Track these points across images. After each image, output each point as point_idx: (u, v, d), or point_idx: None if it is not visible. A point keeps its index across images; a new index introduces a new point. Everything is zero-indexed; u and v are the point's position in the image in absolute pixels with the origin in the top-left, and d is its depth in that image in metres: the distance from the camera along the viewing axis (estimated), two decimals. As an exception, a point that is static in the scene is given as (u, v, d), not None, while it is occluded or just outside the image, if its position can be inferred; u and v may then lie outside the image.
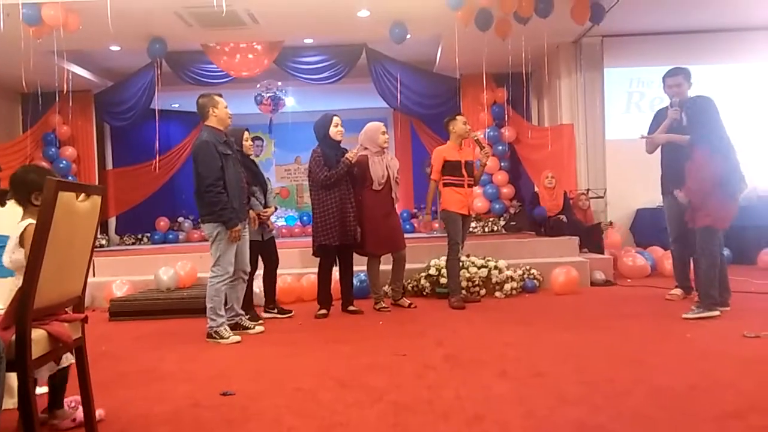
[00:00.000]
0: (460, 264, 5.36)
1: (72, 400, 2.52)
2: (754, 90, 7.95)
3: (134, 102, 8.89)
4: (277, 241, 5.20)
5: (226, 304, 4.25)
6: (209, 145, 4.05)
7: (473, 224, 8.13)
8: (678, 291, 4.98)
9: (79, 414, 2.42)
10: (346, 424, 2.37)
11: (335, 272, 5.13)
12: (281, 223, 11.41)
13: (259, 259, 4.92)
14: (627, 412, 2.38)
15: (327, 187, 4.79)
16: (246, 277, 4.46)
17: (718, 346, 3.44)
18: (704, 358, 3.17)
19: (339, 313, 5.01)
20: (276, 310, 4.99)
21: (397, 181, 5.13)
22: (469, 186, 5.23)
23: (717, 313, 4.21)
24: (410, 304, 5.18)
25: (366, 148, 5.04)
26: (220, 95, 4.26)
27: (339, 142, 4.88)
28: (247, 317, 4.47)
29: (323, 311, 4.92)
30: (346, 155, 4.83)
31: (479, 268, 5.69)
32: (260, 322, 4.61)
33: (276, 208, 4.93)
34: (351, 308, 5.03)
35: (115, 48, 8.03)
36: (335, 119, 4.86)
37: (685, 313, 4.25)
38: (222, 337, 4.05)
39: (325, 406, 2.60)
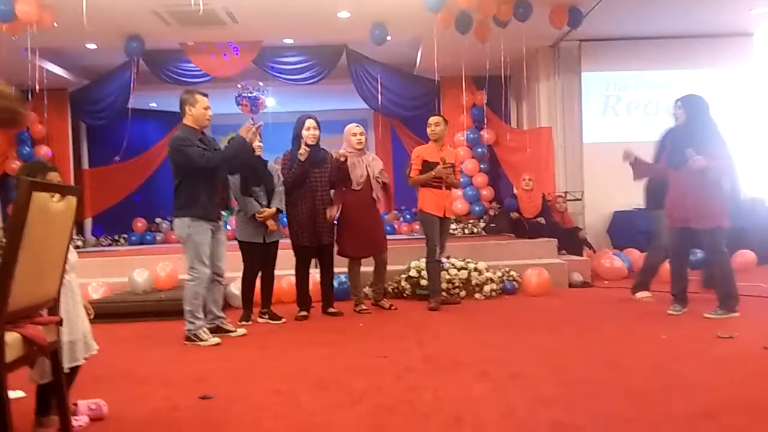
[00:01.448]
0: (441, 266, 5.37)
1: (93, 402, 2.54)
2: (729, 95, 8.11)
3: (111, 101, 8.76)
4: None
5: (205, 306, 4.20)
6: (184, 138, 3.97)
7: (453, 226, 8.16)
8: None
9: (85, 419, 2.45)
10: (326, 426, 2.37)
11: (315, 274, 5.12)
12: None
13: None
14: (604, 413, 2.41)
15: (295, 187, 4.78)
16: (222, 280, 4.35)
17: (692, 346, 3.51)
18: (679, 359, 3.23)
19: (319, 315, 4.99)
20: (267, 316, 4.84)
21: (379, 181, 5.12)
22: (447, 188, 5.21)
23: (737, 314, 4.22)
24: (391, 306, 5.19)
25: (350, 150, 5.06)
26: (205, 95, 4.13)
27: (311, 145, 4.80)
28: (227, 320, 4.40)
29: (303, 313, 4.90)
30: (299, 152, 4.75)
31: (459, 269, 5.72)
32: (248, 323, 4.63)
33: (279, 210, 4.76)
34: (331, 310, 5.01)
35: (91, 46, 7.91)
36: (308, 122, 4.81)
37: (708, 312, 4.27)
38: (201, 340, 4.00)
39: (305, 409, 2.59)
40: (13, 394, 2.44)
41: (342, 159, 4.89)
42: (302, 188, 4.79)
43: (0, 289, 1.83)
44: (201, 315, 4.09)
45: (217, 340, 4.03)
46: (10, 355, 1.89)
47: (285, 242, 4.97)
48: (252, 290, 4.86)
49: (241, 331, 4.33)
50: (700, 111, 4.38)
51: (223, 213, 4.39)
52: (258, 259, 4.77)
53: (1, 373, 1.81)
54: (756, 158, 8.14)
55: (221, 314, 4.35)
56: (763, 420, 2.29)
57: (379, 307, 5.20)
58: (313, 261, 5.08)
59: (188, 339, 4.04)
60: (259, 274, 4.86)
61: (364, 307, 5.10)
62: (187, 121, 4.07)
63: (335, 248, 5.06)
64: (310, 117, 4.86)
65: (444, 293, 5.42)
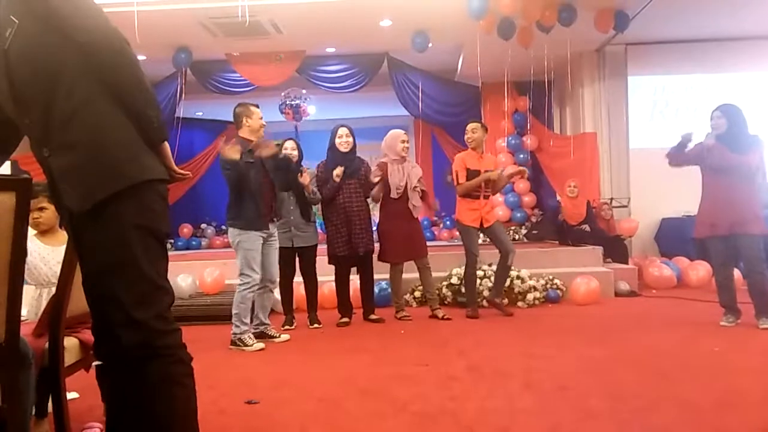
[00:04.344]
0: (508, 271, 5.27)
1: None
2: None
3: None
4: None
5: (253, 312, 4.29)
6: (231, 162, 4.07)
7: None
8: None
9: None
10: (370, 435, 2.38)
11: (356, 280, 5.15)
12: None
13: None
14: (654, 428, 2.34)
15: (330, 200, 4.85)
16: (272, 286, 4.47)
17: (747, 361, 3.38)
18: (733, 373, 3.11)
19: (361, 322, 5.02)
20: (315, 323, 4.92)
21: (417, 190, 5.11)
22: (485, 197, 5.14)
23: None
24: (443, 316, 5.04)
25: (386, 156, 5.09)
26: (257, 106, 4.28)
27: (345, 152, 4.88)
28: (272, 326, 4.49)
29: (345, 319, 4.94)
30: (335, 171, 4.82)
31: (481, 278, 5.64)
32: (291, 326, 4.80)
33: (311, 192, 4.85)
34: (372, 317, 5.03)
35: (141, 57, 8.17)
36: (340, 130, 4.90)
37: (763, 324, 4.17)
38: (245, 345, 4.09)
39: (349, 416, 2.61)
40: (69, 396, 2.53)
41: (336, 182, 4.84)
42: (337, 198, 4.85)
43: (59, 295, 1.91)
44: (248, 320, 4.18)
45: (261, 345, 4.12)
46: (69, 359, 1.97)
47: (321, 248, 5.02)
48: (288, 295, 4.98)
49: (284, 336, 4.43)
50: (741, 119, 4.30)
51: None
52: (289, 264, 4.86)
53: (61, 376, 1.89)
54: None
55: (267, 321, 4.46)
56: (826, 440, 2.19)
57: (434, 316, 5.08)
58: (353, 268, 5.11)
59: (233, 343, 4.13)
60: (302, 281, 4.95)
61: (405, 314, 5.09)
62: (243, 132, 4.22)
63: (375, 255, 5.08)
64: (342, 126, 4.96)
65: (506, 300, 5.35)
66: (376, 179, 4.99)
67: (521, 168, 5.47)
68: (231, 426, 2.55)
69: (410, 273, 5.28)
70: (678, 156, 4.57)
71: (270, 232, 4.31)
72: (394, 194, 5.02)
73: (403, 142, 5.10)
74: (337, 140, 4.90)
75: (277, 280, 4.50)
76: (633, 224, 7.63)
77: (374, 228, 5.16)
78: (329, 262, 4.99)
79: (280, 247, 4.78)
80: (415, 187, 5.09)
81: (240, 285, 4.16)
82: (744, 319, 4.34)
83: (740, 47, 7.82)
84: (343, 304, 5.00)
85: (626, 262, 6.82)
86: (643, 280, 6.56)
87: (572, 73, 8.46)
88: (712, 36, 7.77)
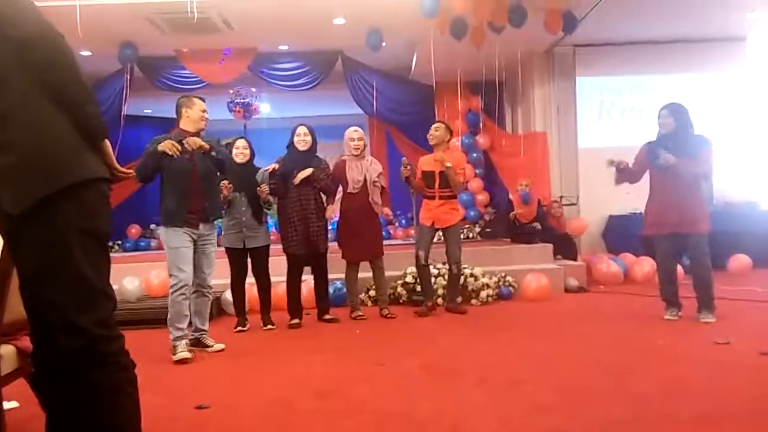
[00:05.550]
0: (431, 271, 5.37)
1: None
2: (722, 99, 8.16)
3: (105, 107, 8.71)
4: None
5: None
6: (152, 141, 3.92)
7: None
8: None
9: None
10: (325, 437, 2.35)
11: (310, 280, 5.10)
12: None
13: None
14: (602, 419, 2.40)
15: (284, 197, 4.80)
16: (205, 291, 4.13)
17: (690, 352, 3.51)
18: (677, 364, 3.23)
19: (315, 322, 4.97)
20: (268, 324, 4.84)
21: (375, 185, 5.11)
22: (441, 198, 5.15)
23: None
24: (387, 314, 5.07)
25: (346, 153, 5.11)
26: (202, 99, 4.09)
27: (304, 151, 4.84)
28: (206, 334, 4.19)
29: (296, 321, 4.87)
30: (268, 167, 4.78)
31: (436, 276, 5.66)
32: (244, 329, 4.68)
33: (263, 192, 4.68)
34: (327, 317, 4.99)
35: (86, 53, 7.88)
36: (299, 129, 4.88)
37: (704, 317, 4.34)
38: (173, 353, 3.81)
39: (304, 417, 2.58)
40: (7, 405, 2.42)
41: (269, 170, 4.77)
42: (293, 197, 4.79)
43: (-5, 301, 1.81)
44: (182, 325, 3.87)
45: (184, 355, 3.77)
46: (6, 367, 1.87)
47: (278, 248, 4.94)
48: (239, 297, 4.88)
49: (218, 346, 4.11)
50: (688, 118, 4.44)
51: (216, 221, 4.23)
52: (239, 265, 4.77)
53: (-3, 386, 1.80)
54: (749, 162, 8.18)
55: (203, 327, 4.16)
56: (758, 426, 2.29)
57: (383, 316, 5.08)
58: (306, 267, 5.06)
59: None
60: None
61: (360, 314, 5.08)
62: (183, 124, 4.02)
63: (329, 253, 5.05)
64: (302, 125, 4.93)
65: (452, 301, 5.35)
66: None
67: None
68: (181, 432, 2.48)
69: (365, 272, 5.27)
70: (627, 178, 4.69)
71: (201, 233, 3.96)
72: (351, 189, 5.02)
73: (353, 140, 5.08)
74: (295, 138, 4.86)
75: (210, 285, 4.15)
76: (582, 223, 7.83)
77: (331, 227, 5.14)
78: (288, 260, 4.92)
79: (231, 248, 4.69)
80: (375, 182, 5.09)
81: (170, 287, 3.88)
82: (685, 312, 4.52)
83: (685, 49, 8.12)
84: (294, 305, 4.94)
85: (575, 259, 7.00)
86: (591, 276, 6.74)
87: (523, 74, 8.61)
88: (658, 38, 8.03)
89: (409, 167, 5.14)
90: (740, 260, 7.01)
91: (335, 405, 2.73)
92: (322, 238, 4.85)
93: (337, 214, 5.21)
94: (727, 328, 4.06)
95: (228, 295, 5.33)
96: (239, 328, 4.77)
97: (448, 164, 5.05)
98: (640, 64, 8.27)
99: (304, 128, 4.88)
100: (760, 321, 4.42)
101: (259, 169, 4.88)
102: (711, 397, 2.62)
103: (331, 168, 5.07)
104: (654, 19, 7.30)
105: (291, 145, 4.90)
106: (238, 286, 4.85)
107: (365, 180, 5.04)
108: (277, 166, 4.78)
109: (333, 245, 5.19)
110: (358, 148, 5.07)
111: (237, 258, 4.73)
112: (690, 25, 7.61)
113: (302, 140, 4.84)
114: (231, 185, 4.57)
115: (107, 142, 1.55)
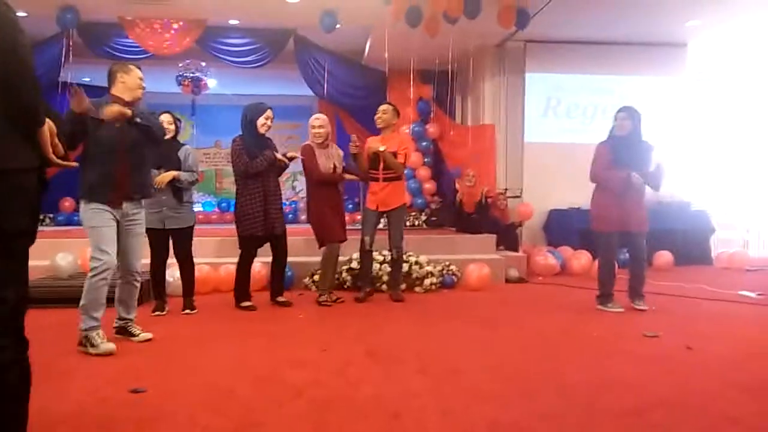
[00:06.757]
0: (372, 257, 5.40)
1: None
2: (663, 103, 8.50)
3: (41, 73, 8.23)
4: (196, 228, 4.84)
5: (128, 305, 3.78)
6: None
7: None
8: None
9: None
10: (264, 422, 2.32)
11: (257, 262, 5.01)
12: (198, 208, 10.99)
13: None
14: (538, 409, 2.48)
15: (250, 176, 4.66)
16: (132, 278, 3.73)
17: (621, 345, 3.66)
18: (609, 356, 3.36)
19: (262, 305, 4.86)
20: (189, 308, 4.68)
21: (337, 171, 5.07)
22: (386, 179, 5.15)
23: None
24: (324, 302, 4.99)
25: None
26: (138, 67, 3.75)
27: (263, 134, 4.73)
28: (132, 323, 3.80)
29: (248, 302, 4.77)
30: (284, 155, 4.75)
31: (381, 264, 5.71)
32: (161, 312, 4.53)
33: (175, 178, 4.46)
34: (280, 299, 4.93)
35: (21, 14, 7.40)
36: (268, 112, 4.70)
37: (638, 305, 4.71)
38: (92, 345, 3.37)
39: (242, 404, 2.54)
40: None
41: (276, 159, 4.71)
42: (256, 178, 4.67)
43: None
44: (98, 314, 3.44)
45: (110, 347, 3.38)
46: None
47: (202, 229, 4.78)
48: (158, 279, 4.68)
49: (144, 335, 3.75)
50: (640, 122, 4.68)
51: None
52: (159, 247, 4.60)
53: None
54: (685, 164, 8.57)
55: (128, 316, 3.78)
56: (686, 417, 2.41)
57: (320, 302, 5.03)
58: (259, 250, 4.95)
59: (80, 342, 3.44)
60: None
61: (326, 299, 4.97)
62: (117, 90, 3.60)
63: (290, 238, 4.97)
64: (270, 108, 4.74)
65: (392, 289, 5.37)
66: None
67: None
68: (114, 416, 2.40)
69: (311, 257, 5.21)
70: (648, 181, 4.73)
71: (126, 213, 3.58)
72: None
73: (313, 127, 5.01)
74: (261, 120, 4.66)
75: (138, 271, 3.74)
76: (528, 209, 7.99)
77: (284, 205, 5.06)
78: (240, 245, 4.80)
79: (151, 229, 4.34)
80: (335, 167, 5.04)
81: (90, 270, 3.45)
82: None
83: (630, 52, 8.40)
84: (244, 289, 4.84)
85: (517, 250, 7.18)
86: (531, 268, 6.93)
87: (474, 66, 8.70)
88: (605, 39, 8.27)
89: (357, 145, 5.12)
90: (664, 257, 7.50)
91: (274, 391, 2.70)
92: (279, 221, 4.79)
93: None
94: (656, 322, 4.26)
95: (168, 277, 5.15)
96: (157, 312, 4.57)
97: (381, 148, 5.07)
98: (588, 64, 8.50)
99: (272, 113, 4.72)
100: (687, 315, 4.65)
101: (183, 145, 4.70)
102: (638, 389, 2.74)
103: (300, 152, 5.01)
104: (602, 20, 7.51)
105: (252, 125, 4.68)
106: (155, 267, 4.65)
107: (334, 168, 5.00)
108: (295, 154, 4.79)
109: (292, 227, 5.11)
110: (319, 136, 4.98)
111: (157, 239, 4.53)
112: (635, 29, 7.87)
113: (266, 125, 4.69)
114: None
115: (44, 130, 1.45)
